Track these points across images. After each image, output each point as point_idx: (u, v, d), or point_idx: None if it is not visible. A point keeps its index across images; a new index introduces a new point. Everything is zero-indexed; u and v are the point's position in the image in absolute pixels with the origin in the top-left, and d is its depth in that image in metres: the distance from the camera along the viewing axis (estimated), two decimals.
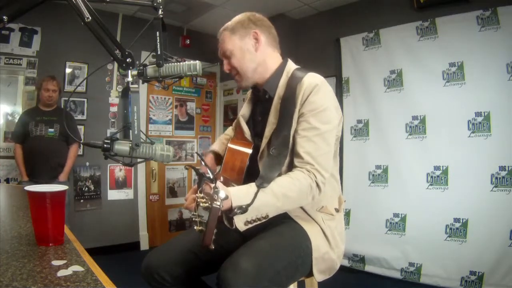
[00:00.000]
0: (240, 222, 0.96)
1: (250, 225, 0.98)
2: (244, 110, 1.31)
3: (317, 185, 1.04)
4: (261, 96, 1.23)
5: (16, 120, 3.02)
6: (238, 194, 0.95)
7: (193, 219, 0.94)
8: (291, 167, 1.09)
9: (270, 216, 1.01)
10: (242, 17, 1.20)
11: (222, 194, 0.85)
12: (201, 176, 0.93)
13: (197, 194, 0.91)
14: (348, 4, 3.27)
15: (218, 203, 0.82)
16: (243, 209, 0.92)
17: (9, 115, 3.19)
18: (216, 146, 1.42)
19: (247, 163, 1.16)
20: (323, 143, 1.07)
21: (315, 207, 1.13)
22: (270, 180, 1.01)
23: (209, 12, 3.62)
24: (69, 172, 3.05)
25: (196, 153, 4.24)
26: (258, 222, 0.99)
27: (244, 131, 1.25)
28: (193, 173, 4.24)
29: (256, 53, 1.17)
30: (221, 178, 1.12)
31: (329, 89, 1.13)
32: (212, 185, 0.87)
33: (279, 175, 1.05)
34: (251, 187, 0.98)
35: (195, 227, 0.91)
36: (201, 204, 0.86)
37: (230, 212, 0.93)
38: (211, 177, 0.88)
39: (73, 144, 3.02)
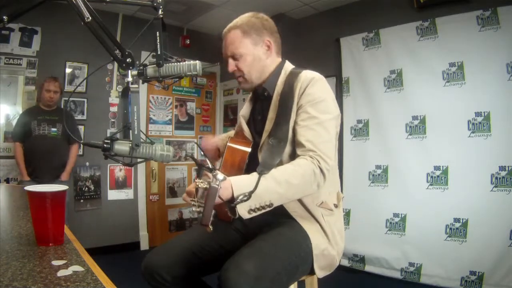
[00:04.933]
0: (243, 210, 0.94)
1: (254, 214, 0.96)
2: (244, 111, 1.32)
3: (321, 171, 1.02)
4: (260, 94, 1.25)
5: (16, 120, 3.02)
6: (239, 183, 0.94)
7: (192, 203, 0.94)
8: (293, 158, 1.08)
9: (275, 204, 0.99)
10: (253, 20, 1.18)
11: (220, 176, 0.85)
12: (201, 166, 0.93)
13: (196, 180, 0.91)
14: (348, 4, 3.26)
15: (217, 183, 0.83)
16: (247, 197, 0.91)
17: (9, 115, 3.18)
18: (216, 139, 1.42)
19: (247, 161, 1.16)
20: (323, 131, 1.06)
21: (315, 202, 1.13)
22: (270, 167, 1.00)
23: (209, 12, 3.62)
24: (71, 172, 3.05)
25: (196, 143, 4.26)
26: (263, 211, 0.97)
27: (244, 130, 1.26)
28: (193, 173, 4.24)
29: (266, 60, 1.19)
30: None
31: (326, 83, 1.14)
32: (211, 174, 0.87)
33: (280, 163, 1.05)
34: (252, 175, 0.98)
35: (193, 209, 0.92)
36: (199, 185, 0.87)
37: (232, 201, 0.92)
38: (211, 166, 0.88)
39: (74, 144, 3.03)
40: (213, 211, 0.85)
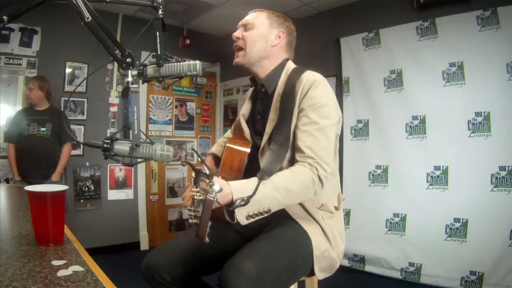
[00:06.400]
0: (241, 216, 0.94)
1: (252, 220, 0.96)
2: (244, 110, 1.32)
3: (319, 179, 1.03)
4: (259, 91, 1.25)
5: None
6: (239, 187, 0.94)
7: (189, 213, 0.95)
8: (292, 163, 1.08)
9: (272, 210, 0.99)
10: (281, 16, 1.25)
11: (216, 187, 0.85)
12: (198, 173, 0.93)
13: (192, 189, 0.92)
14: (348, 4, 3.26)
15: (212, 196, 0.83)
16: (245, 201, 0.91)
17: (10, 115, 3.18)
18: (214, 149, 1.43)
19: (246, 161, 1.16)
20: (323, 137, 1.07)
21: (315, 205, 1.13)
22: (271, 173, 1.00)
23: (209, 12, 3.61)
24: (62, 172, 3.03)
25: (192, 149, 4.26)
26: (260, 217, 0.97)
27: (243, 130, 1.25)
28: (194, 173, 4.24)
29: (270, 47, 1.20)
30: (219, 177, 1.12)
31: (328, 85, 1.14)
32: (208, 180, 0.87)
33: (280, 169, 1.05)
34: (252, 180, 0.98)
35: (190, 221, 0.92)
36: (195, 197, 0.87)
37: (231, 205, 0.92)
38: (208, 173, 0.88)
39: (66, 144, 3.00)
40: (209, 223, 0.85)
